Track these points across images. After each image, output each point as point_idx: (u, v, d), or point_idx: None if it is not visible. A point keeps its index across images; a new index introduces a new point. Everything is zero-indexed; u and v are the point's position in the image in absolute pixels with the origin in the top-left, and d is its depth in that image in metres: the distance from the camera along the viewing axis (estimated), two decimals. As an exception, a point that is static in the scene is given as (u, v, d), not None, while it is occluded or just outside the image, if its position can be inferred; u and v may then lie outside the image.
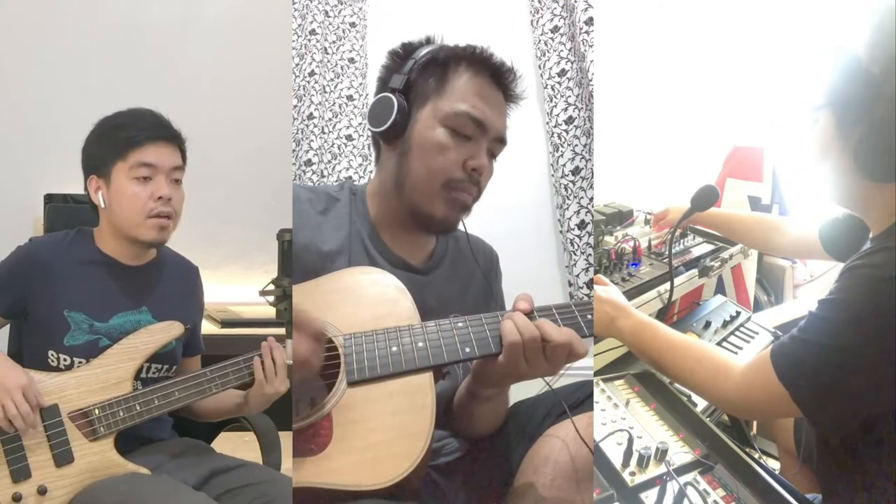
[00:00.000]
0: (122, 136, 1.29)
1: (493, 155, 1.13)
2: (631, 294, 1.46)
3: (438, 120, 1.08)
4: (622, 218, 1.97)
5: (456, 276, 1.20)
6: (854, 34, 0.89)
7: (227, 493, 1.25)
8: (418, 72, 1.11)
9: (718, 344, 1.60)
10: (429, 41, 1.16)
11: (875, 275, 0.85)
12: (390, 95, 1.10)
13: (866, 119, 0.88)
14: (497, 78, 1.12)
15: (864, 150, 0.89)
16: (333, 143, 2.33)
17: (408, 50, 1.15)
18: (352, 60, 2.38)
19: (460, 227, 1.18)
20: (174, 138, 1.32)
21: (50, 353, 1.26)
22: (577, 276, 2.24)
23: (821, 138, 0.95)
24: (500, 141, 1.13)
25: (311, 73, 2.33)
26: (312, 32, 2.35)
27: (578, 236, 2.24)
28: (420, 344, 0.97)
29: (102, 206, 1.30)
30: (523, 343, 0.92)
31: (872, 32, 0.87)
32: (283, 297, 1.23)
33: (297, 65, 2.32)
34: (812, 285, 2.34)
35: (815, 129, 0.96)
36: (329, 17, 2.38)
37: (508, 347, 0.93)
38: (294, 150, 2.29)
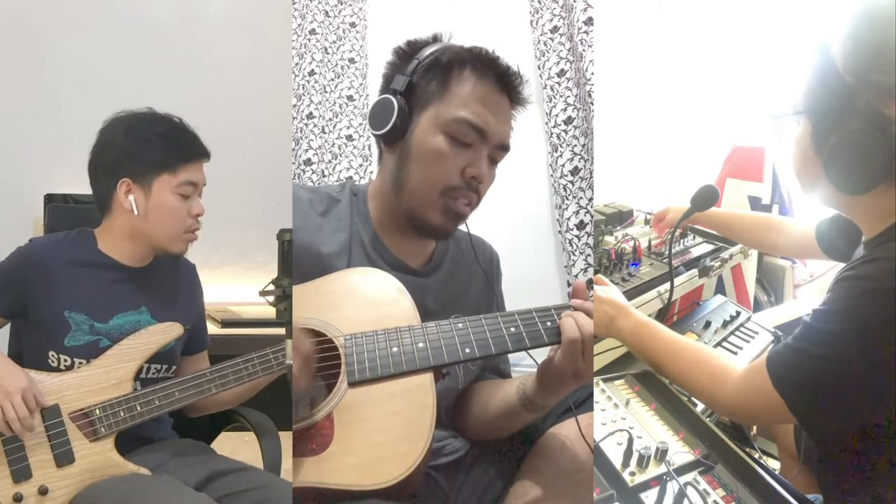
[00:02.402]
0: (170, 149, 1.29)
1: (494, 161, 1.11)
2: (631, 294, 1.46)
3: (439, 126, 1.06)
4: (622, 218, 1.97)
5: (456, 278, 1.20)
6: (831, 41, 0.88)
7: (226, 496, 1.25)
8: (421, 74, 1.08)
9: (718, 344, 1.60)
10: (436, 39, 1.13)
11: (866, 286, 0.85)
12: (391, 98, 1.08)
13: (839, 130, 0.88)
14: (503, 82, 1.09)
15: (835, 162, 0.89)
16: (334, 143, 2.33)
17: (413, 48, 1.12)
18: (352, 61, 2.38)
19: (462, 227, 1.18)
20: (208, 155, 1.34)
21: (50, 353, 1.27)
22: (576, 276, 2.24)
23: (799, 145, 0.95)
24: (502, 148, 1.10)
25: (311, 73, 2.33)
26: (312, 32, 2.35)
27: (577, 236, 2.24)
28: (420, 344, 0.97)
29: (136, 212, 1.28)
30: (582, 340, 0.93)
31: (846, 41, 0.86)
32: (283, 297, 1.22)
33: (296, 64, 2.32)
34: (812, 285, 2.34)
35: (795, 134, 0.95)
36: (329, 16, 2.38)
37: (568, 344, 0.93)
38: (293, 150, 2.29)
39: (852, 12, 0.87)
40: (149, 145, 1.28)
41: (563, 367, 0.94)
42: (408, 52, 1.12)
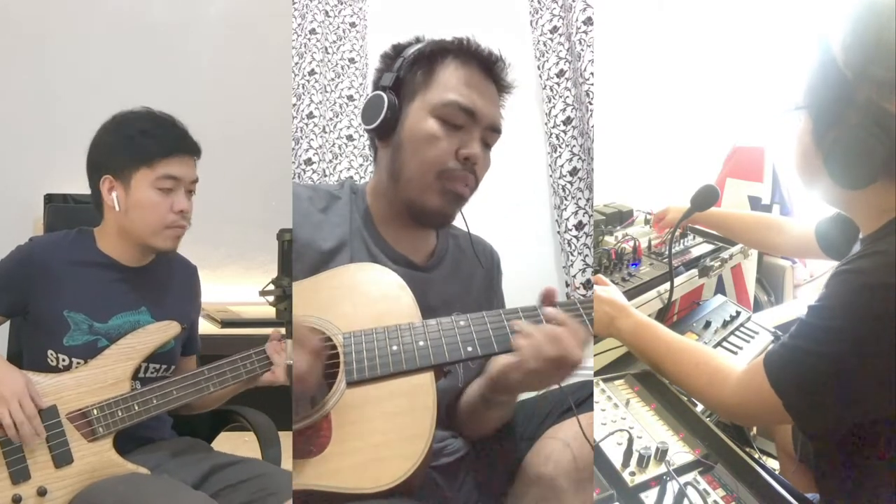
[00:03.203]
0: (148, 144, 1.27)
1: (487, 144, 1.12)
2: (631, 294, 1.46)
3: (428, 111, 1.08)
4: (622, 218, 1.97)
5: (457, 275, 1.20)
6: (832, 36, 0.88)
7: (226, 488, 1.25)
8: (407, 68, 1.11)
9: (718, 344, 1.60)
10: (418, 41, 1.16)
11: (862, 281, 0.85)
12: (381, 93, 1.10)
13: (838, 125, 0.87)
14: (486, 68, 1.12)
15: (835, 156, 0.89)
16: (334, 143, 2.33)
17: (398, 50, 1.15)
18: (352, 60, 2.37)
19: (462, 227, 1.18)
20: (196, 151, 1.33)
21: (49, 353, 1.26)
22: (574, 276, 2.24)
23: (800, 141, 0.95)
24: (494, 130, 1.12)
25: (311, 73, 2.33)
26: (312, 32, 2.35)
27: (576, 237, 2.24)
28: (421, 343, 0.96)
29: (117, 208, 1.29)
30: (540, 368, 0.91)
31: (847, 34, 0.86)
32: (283, 297, 1.23)
33: (296, 64, 2.32)
34: (812, 285, 2.34)
35: (795, 130, 0.95)
36: (329, 16, 2.38)
37: (526, 373, 0.92)
38: (293, 149, 2.29)
39: (853, 7, 0.87)
40: (129, 142, 1.28)
41: (515, 383, 0.95)
42: (393, 55, 1.15)
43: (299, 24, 2.34)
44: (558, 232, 2.29)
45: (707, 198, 1.54)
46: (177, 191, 1.29)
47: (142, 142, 1.27)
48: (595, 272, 1.54)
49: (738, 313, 1.75)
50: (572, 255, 2.24)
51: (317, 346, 0.91)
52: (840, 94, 0.87)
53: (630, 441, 1.03)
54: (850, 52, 0.85)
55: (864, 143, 0.85)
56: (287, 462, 1.39)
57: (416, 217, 1.11)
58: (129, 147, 1.28)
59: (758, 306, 2.30)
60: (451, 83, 1.09)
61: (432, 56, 1.11)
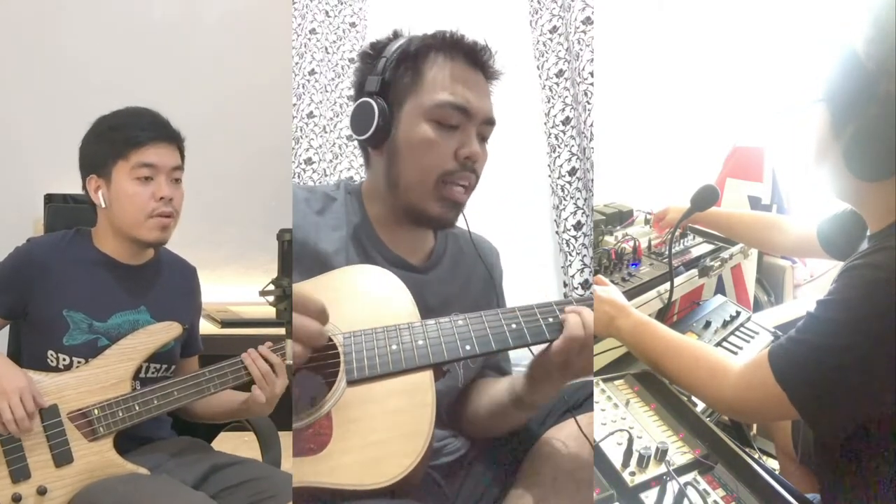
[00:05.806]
0: (122, 136, 1.28)
1: (483, 138, 1.11)
2: (631, 294, 1.46)
3: (422, 115, 1.06)
4: (622, 218, 1.97)
5: (456, 275, 1.20)
6: (854, 27, 0.88)
7: (225, 489, 1.25)
8: (392, 70, 1.08)
9: (718, 344, 1.60)
10: (396, 35, 1.13)
11: (874, 275, 0.85)
12: (369, 100, 1.07)
13: (859, 117, 0.88)
14: (473, 58, 1.09)
15: (854, 148, 0.89)
16: (335, 143, 2.33)
17: (377, 48, 1.12)
18: (352, 61, 2.38)
19: (462, 224, 1.18)
20: (174, 138, 1.33)
21: (49, 352, 1.26)
22: (573, 276, 2.24)
23: (816, 134, 0.95)
24: (489, 122, 1.10)
25: (312, 72, 2.33)
26: (313, 31, 2.35)
27: (574, 237, 2.24)
28: (420, 342, 0.96)
29: (103, 205, 1.30)
30: (585, 338, 0.93)
31: (870, 27, 0.86)
32: (283, 297, 1.23)
33: (296, 63, 2.32)
34: (812, 285, 2.35)
35: (811, 123, 0.95)
36: (329, 16, 2.38)
37: (570, 340, 0.93)
38: (293, 148, 2.29)
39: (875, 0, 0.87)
40: (104, 138, 1.30)
41: (557, 360, 0.94)
42: (374, 54, 1.12)
43: (299, 24, 2.34)
44: (557, 232, 2.29)
45: (707, 198, 1.54)
46: (156, 178, 1.29)
47: (114, 136, 1.29)
48: (595, 272, 1.54)
49: (738, 313, 1.75)
50: (571, 254, 2.24)
51: (320, 308, 0.88)
52: (861, 87, 0.87)
53: (630, 441, 1.03)
54: (872, 45, 0.85)
55: (884, 134, 0.85)
56: (287, 462, 1.39)
57: (416, 221, 1.11)
58: (104, 143, 1.30)
59: (758, 306, 2.31)
60: (440, 81, 1.06)
61: (417, 54, 1.08)
